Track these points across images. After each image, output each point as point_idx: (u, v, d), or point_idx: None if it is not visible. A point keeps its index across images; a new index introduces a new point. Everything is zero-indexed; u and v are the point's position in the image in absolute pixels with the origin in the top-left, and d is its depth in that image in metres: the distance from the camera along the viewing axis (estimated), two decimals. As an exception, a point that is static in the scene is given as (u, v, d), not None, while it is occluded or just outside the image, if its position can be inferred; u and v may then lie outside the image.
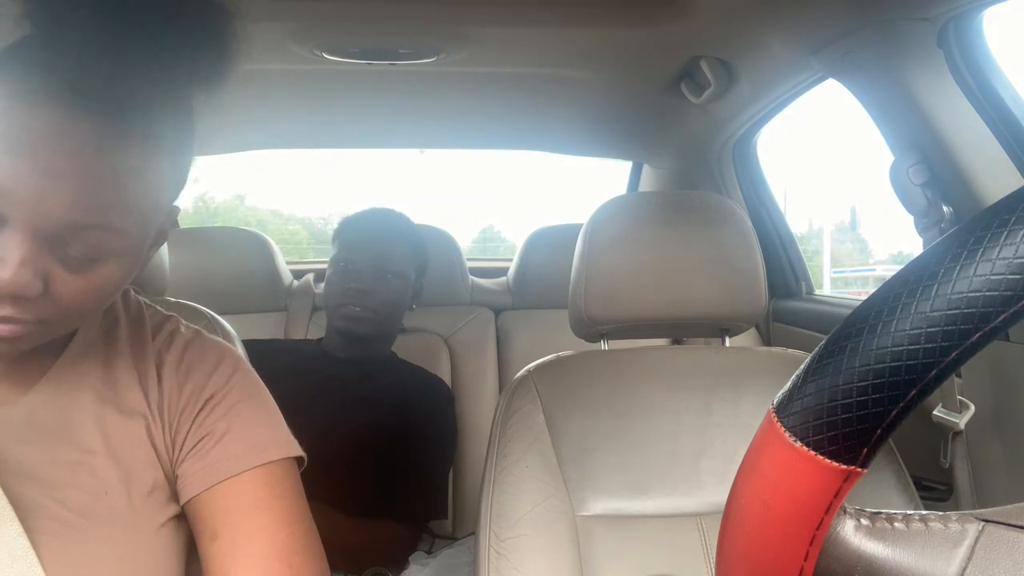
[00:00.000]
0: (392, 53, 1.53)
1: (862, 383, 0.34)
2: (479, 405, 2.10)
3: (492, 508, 1.11)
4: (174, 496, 0.75)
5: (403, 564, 1.56)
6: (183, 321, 0.82)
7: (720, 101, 1.70)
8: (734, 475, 1.28)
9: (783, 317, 2.00)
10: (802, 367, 0.37)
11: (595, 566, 1.10)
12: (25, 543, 0.63)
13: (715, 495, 1.15)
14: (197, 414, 0.75)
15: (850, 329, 0.35)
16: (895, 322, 0.34)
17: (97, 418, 0.72)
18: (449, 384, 2.06)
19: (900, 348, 0.34)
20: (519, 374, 1.25)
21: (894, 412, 0.35)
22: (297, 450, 0.78)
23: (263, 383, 0.81)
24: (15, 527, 0.63)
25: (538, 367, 1.25)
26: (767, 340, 2.06)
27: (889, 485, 1.15)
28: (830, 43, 1.29)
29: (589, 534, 1.11)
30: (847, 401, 0.34)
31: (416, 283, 1.85)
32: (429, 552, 1.70)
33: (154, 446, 0.73)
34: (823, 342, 0.37)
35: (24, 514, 0.65)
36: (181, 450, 0.74)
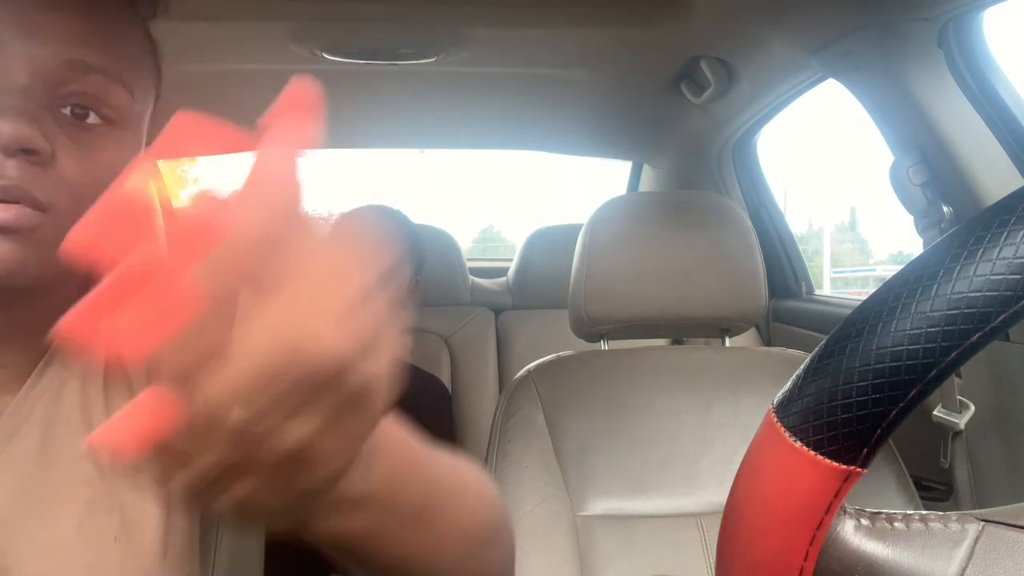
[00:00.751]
0: (392, 53, 1.53)
1: (862, 383, 0.34)
2: (479, 405, 2.10)
3: (492, 508, 1.11)
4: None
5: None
6: None
7: (720, 101, 1.70)
8: (734, 475, 1.27)
9: (783, 317, 2.00)
10: (802, 367, 0.37)
11: (595, 566, 1.10)
12: None
13: (715, 495, 1.15)
14: None
15: (850, 329, 0.35)
16: (895, 322, 0.34)
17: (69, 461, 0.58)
18: (449, 384, 2.05)
19: (900, 348, 0.34)
20: (519, 374, 1.25)
21: (894, 412, 0.35)
22: None
23: None
24: None
25: (538, 367, 1.25)
26: (767, 340, 2.06)
27: (889, 485, 1.15)
28: (830, 43, 1.29)
29: (589, 534, 1.12)
30: (847, 401, 0.34)
31: (412, 280, 1.85)
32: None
33: None
34: (823, 342, 0.37)
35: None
36: None
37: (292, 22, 1.41)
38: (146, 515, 0.58)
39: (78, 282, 0.60)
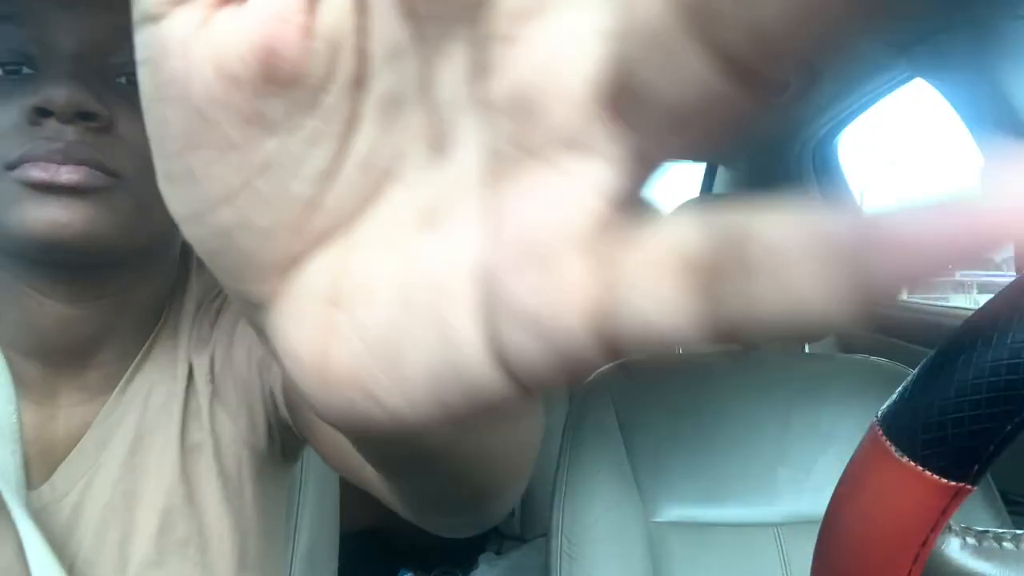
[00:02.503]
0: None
1: (976, 396, 0.33)
2: (549, 405, 2.09)
3: (564, 512, 1.10)
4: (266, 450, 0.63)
5: (472, 563, 1.57)
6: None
7: (801, 101, 1.66)
8: (813, 485, 1.24)
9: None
10: (910, 379, 0.35)
11: (668, 574, 1.08)
12: None
13: (793, 505, 1.13)
14: (214, 326, 0.62)
15: (963, 340, 0.34)
16: (1011, 333, 0.33)
17: (168, 435, 0.60)
18: (519, 385, 2.05)
19: (1017, 360, 0.33)
20: (592, 378, 1.24)
21: (1008, 428, 0.33)
22: None
23: None
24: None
25: (611, 371, 1.24)
26: (847, 347, 2.01)
27: (973, 498, 1.10)
28: (920, 41, 1.25)
29: (662, 541, 1.10)
30: (959, 415, 0.33)
31: None
32: (498, 553, 1.70)
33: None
34: (932, 353, 0.35)
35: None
36: (229, 371, 0.61)
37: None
38: (223, 523, 0.58)
39: (165, 270, 0.62)
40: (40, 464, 0.55)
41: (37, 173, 0.46)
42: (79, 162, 0.47)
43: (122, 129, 0.50)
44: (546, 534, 1.13)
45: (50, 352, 0.55)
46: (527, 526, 1.97)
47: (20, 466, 0.53)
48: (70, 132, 0.47)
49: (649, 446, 1.15)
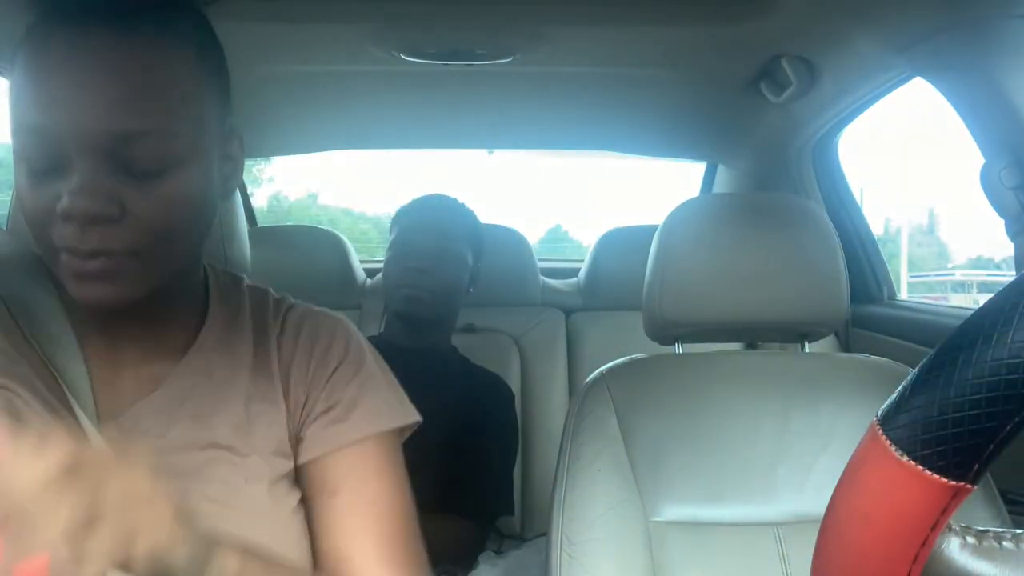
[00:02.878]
0: (469, 54, 1.53)
1: (975, 396, 0.33)
2: (548, 405, 2.10)
3: (564, 511, 1.10)
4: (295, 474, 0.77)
5: (472, 563, 1.57)
6: (290, 299, 0.85)
7: (801, 101, 1.66)
8: (813, 485, 1.24)
9: (863, 323, 1.94)
10: (909, 378, 0.35)
11: (668, 573, 1.08)
12: None
13: (793, 504, 1.12)
14: (326, 383, 0.77)
15: (962, 340, 0.34)
16: (1011, 332, 0.33)
17: (233, 407, 0.74)
18: (519, 384, 2.05)
19: (1017, 360, 0.33)
20: (592, 376, 1.24)
21: (1009, 427, 0.33)
22: (413, 413, 0.82)
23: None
24: None
25: (612, 370, 1.23)
26: (846, 346, 2.01)
27: (973, 498, 1.10)
28: (919, 41, 1.25)
29: (662, 540, 1.10)
30: (959, 415, 0.33)
31: (474, 267, 1.85)
32: (498, 552, 1.70)
33: (288, 428, 0.76)
34: (932, 352, 0.35)
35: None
36: (308, 417, 0.76)
37: (372, 24, 1.42)
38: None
39: (191, 270, 0.77)
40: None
41: (71, 262, 0.63)
42: (98, 254, 0.62)
43: (134, 212, 0.62)
44: (546, 534, 1.13)
45: (110, 335, 0.73)
46: (527, 526, 1.97)
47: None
48: (90, 236, 0.61)
49: (649, 446, 1.15)
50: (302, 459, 0.76)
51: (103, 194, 0.61)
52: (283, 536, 0.73)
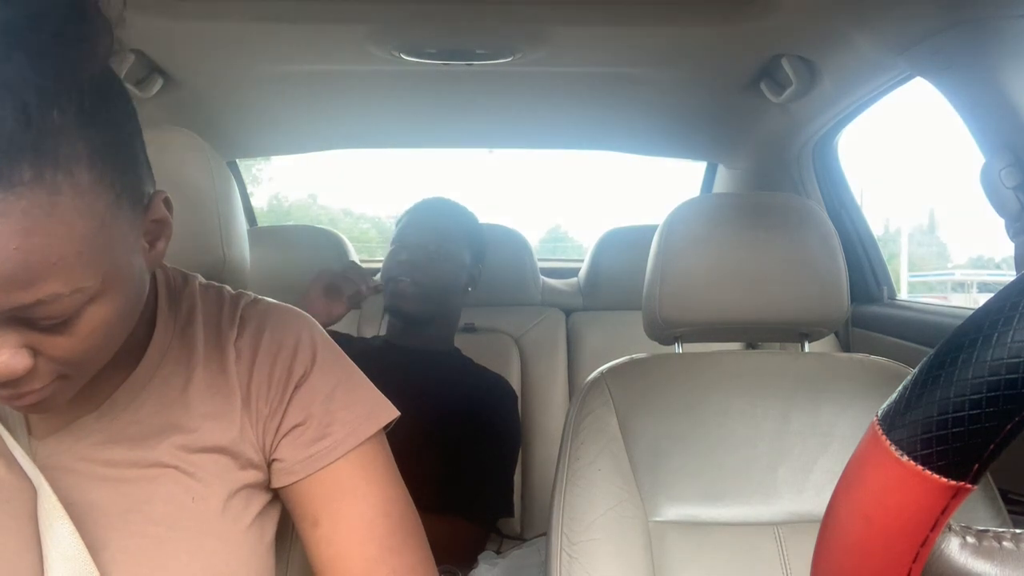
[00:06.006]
0: (469, 54, 1.53)
1: (975, 396, 0.33)
2: (549, 405, 2.10)
3: (564, 510, 1.10)
4: (265, 484, 0.74)
5: (472, 563, 1.57)
6: (250, 295, 0.81)
7: (801, 100, 1.66)
8: (813, 485, 1.24)
9: (863, 323, 1.94)
10: (910, 378, 0.35)
11: (668, 572, 1.08)
12: (78, 542, 0.63)
13: (793, 504, 1.12)
14: (291, 397, 0.73)
15: (962, 339, 0.34)
16: (1011, 332, 0.33)
17: (182, 422, 0.71)
18: (519, 384, 2.05)
19: (1016, 359, 0.32)
20: (592, 376, 1.24)
21: (1009, 426, 0.33)
22: (390, 409, 0.78)
23: (338, 346, 0.80)
24: (67, 526, 0.63)
25: (611, 369, 1.23)
26: (846, 346, 2.01)
27: (974, 498, 1.10)
28: (919, 41, 1.25)
29: (662, 540, 1.10)
30: (959, 415, 0.33)
31: (473, 268, 1.85)
32: (498, 552, 1.70)
33: (250, 442, 0.72)
34: (932, 352, 0.35)
35: (109, 529, 0.66)
36: (276, 434, 0.73)
37: (371, 24, 1.42)
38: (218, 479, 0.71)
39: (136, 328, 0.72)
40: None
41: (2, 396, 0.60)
42: (23, 394, 0.59)
43: (50, 350, 0.58)
44: (546, 534, 1.13)
45: None
46: (527, 526, 1.97)
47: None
48: (11, 387, 0.58)
49: (649, 446, 1.15)
50: (282, 482, 0.73)
51: (11, 351, 0.56)
52: (235, 555, 0.70)
